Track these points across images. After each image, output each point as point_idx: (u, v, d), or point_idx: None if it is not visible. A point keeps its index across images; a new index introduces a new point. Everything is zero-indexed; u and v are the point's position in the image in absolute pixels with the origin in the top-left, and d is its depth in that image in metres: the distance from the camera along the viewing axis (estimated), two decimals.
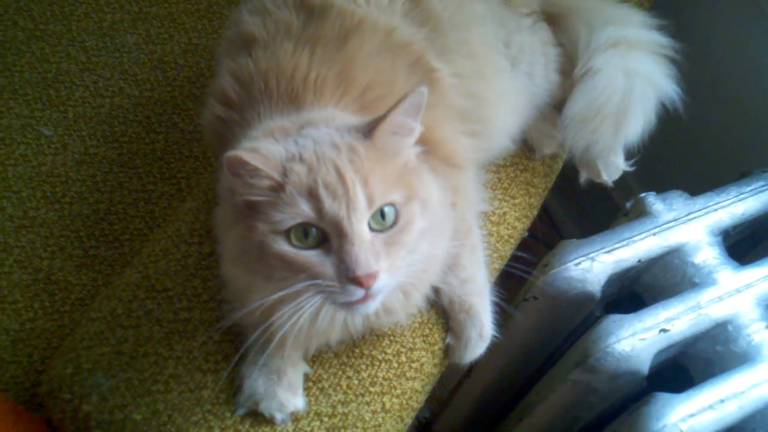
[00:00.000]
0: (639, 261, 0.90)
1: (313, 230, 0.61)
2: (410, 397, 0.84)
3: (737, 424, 0.78)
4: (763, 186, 0.96)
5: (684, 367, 0.89)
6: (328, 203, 0.60)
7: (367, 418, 0.80)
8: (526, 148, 1.06)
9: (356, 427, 0.79)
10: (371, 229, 0.62)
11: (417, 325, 0.85)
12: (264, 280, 0.63)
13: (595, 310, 0.95)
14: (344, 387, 0.80)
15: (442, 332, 0.87)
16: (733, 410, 0.77)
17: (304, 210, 0.60)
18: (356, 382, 0.81)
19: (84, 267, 1.01)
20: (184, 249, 0.85)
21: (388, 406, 0.82)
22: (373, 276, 0.60)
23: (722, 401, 0.77)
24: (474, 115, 0.88)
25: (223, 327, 0.75)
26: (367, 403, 0.81)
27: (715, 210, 0.93)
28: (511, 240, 1.01)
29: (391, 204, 0.62)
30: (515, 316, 0.93)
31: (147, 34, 1.24)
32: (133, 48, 1.22)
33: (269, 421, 0.76)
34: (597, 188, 1.09)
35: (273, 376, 0.75)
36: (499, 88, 0.93)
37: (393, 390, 0.83)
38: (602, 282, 0.88)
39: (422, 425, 1.44)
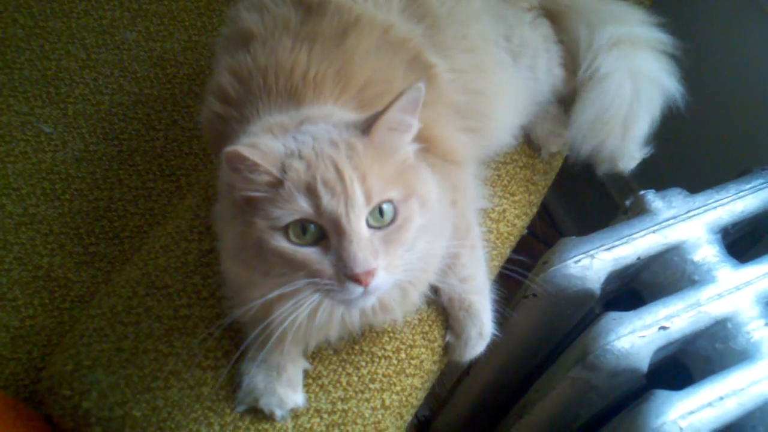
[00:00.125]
0: (638, 258, 0.90)
1: (312, 227, 0.61)
2: (410, 394, 0.85)
3: (737, 421, 0.78)
4: (762, 184, 0.96)
5: (683, 365, 0.89)
6: (327, 200, 0.60)
7: (367, 415, 0.80)
8: (526, 146, 1.06)
9: (356, 423, 0.79)
10: (369, 226, 0.62)
11: (416, 322, 0.85)
12: (262, 276, 0.63)
13: (595, 307, 0.96)
14: (344, 384, 0.81)
15: (442, 329, 0.87)
16: (732, 408, 0.77)
17: (302, 206, 0.60)
18: (356, 378, 0.81)
19: (84, 264, 1.01)
20: (183, 246, 0.85)
21: (387, 402, 0.82)
22: (371, 273, 0.60)
23: (722, 399, 0.77)
24: (473, 111, 0.88)
25: (224, 324, 0.75)
26: (367, 400, 0.81)
27: (715, 208, 0.93)
28: (511, 237, 1.01)
29: (390, 201, 0.62)
30: (515, 313, 0.93)
31: (147, 32, 1.24)
32: (132, 45, 1.22)
33: (269, 417, 0.76)
34: (596, 186, 1.10)
35: (272, 373, 0.75)
36: (499, 83, 0.93)
37: (393, 387, 0.83)
38: (602, 279, 0.88)
39: (421, 423, 1.44)
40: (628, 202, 1.01)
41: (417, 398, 0.87)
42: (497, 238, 0.98)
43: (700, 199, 0.95)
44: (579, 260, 0.88)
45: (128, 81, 1.19)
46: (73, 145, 1.11)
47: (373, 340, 0.83)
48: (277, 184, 0.60)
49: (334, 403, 0.79)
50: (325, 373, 0.80)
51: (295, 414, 0.77)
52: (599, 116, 0.98)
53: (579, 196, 1.66)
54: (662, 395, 0.78)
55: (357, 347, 0.82)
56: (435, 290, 0.83)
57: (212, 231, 0.81)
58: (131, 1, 1.26)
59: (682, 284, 0.89)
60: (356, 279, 0.59)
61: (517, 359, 1.04)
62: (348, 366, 0.81)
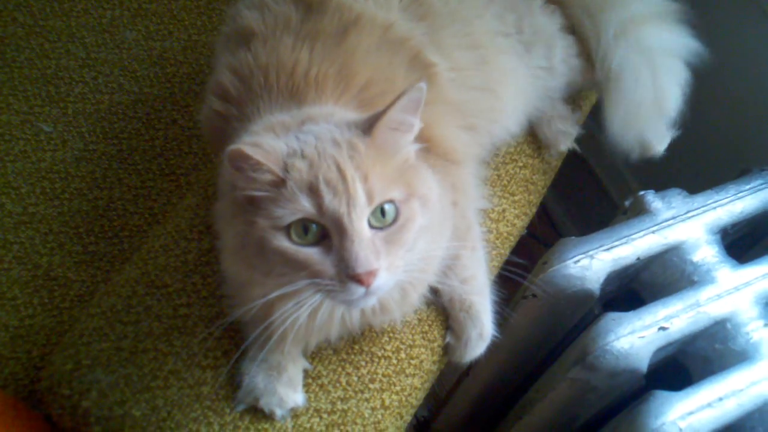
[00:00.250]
0: (638, 259, 0.90)
1: (314, 226, 0.61)
2: (409, 394, 0.84)
3: (736, 422, 0.78)
4: (761, 184, 0.96)
5: (683, 365, 0.89)
6: (329, 199, 0.59)
7: (367, 415, 0.80)
8: (525, 145, 1.06)
9: (355, 423, 0.79)
10: (371, 226, 0.62)
11: (416, 322, 0.85)
12: (263, 276, 0.63)
13: (594, 307, 0.96)
14: (344, 383, 0.80)
15: (442, 329, 0.87)
16: (731, 408, 0.77)
17: (304, 206, 0.60)
18: (356, 378, 0.81)
19: (83, 263, 1.01)
20: (183, 245, 0.85)
21: (387, 402, 0.82)
22: (372, 274, 0.60)
23: (721, 399, 0.77)
24: (476, 108, 0.88)
25: (225, 324, 0.75)
26: (367, 400, 0.81)
27: (714, 208, 0.94)
28: (511, 237, 1.01)
29: (391, 201, 0.62)
30: (514, 314, 0.93)
31: (146, 31, 1.24)
32: (132, 44, 1.22)
33: (269, 417, 0.76)
34: (596, 187, 1.10)
35: (273, 372, 0.75)
36: (506, 73, 0.93)
37: (392, 387, 0.83)
38: (601, 280, 0.88)
39: (421, 423, 1.44)
40: (627, 203, 1.01)
41: (416, 398, 0.87)
42: (497, 238, 0.98)
43: (699, 199, 0.95)
44: (578, 261, 0.88)
45: (128, 80, 1.18)
46: (73, 144, 1.11)
47: (373, 340, 0.83)
48: (280, 183, 0.60)
49: (333, 403, 0.79)
50: (324, 372, 0.80)
51: (294, 414, 0.77)
52: (629, 112, 0.99)
53: (578, 196, 1.67)
54: (661, 396, 0.78)
55: (356, 347, 0.82)
56: (434, 291, 0.83)
57: (212, 229, 0.81)
58: (131, 0, 1.26)
59: (681, 285, 0.89)
60: (358, 279, 0.59)
61: (517, 359, 1.04)
62: (348, 366, 0.81)
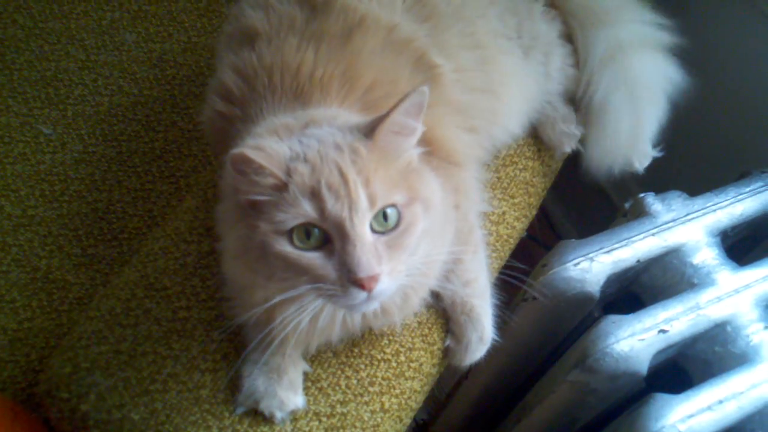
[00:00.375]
0: (638, 261, 0.90)
1: (316, 231, 0.60)
2: (409, 397, 0.84)
3: (736, 424, 0.78)
4: (761, 187, 0.96)
5: (683, 368, 0.89)
6: (331, 204, 0.59)
7: (366, 418, 0.80)
8: (525, 148, 1.06)
9: (355, 427, 0.79)
10: (373, 230, 0.61)
11: (416, 325, 0.85)
12: (265, 280, 0.63)
13: (594, 310, 0.95)
14: (343, 387, 0.80)
15: (441, 332, 0.87)
16: (732, 411, 0.77)
17: (306, 210, 0.59)
18: (355, 381, 0.81)
19: (82, 266, 1.01)
20: (183, 248, 0.84)
21: (386, 405, 0.82)
22: (374, 278, 0.59)
23: (721, 402, 0.77)
24: (478, 109, 0.87)
25: (228, 329, 0.75)
26: (366, 403, 0.81)
27: (714, 210, 0.93)
28: (510, 240, 1.01)
29: (394, 205, 0.62)
30: (514, 316, 0.93)
31: (146, 33, 1.24)
32: (132, 46, 1.22)
33: (268, 419, 0.76)
34: (595, 189, 1.10)
35: (273, 375, 0.75)
36: (508, 76, 0.93)
37: (392, 390, 0.83)
38: (601, 282, 0.88)
39: (420, 426, 1.43)
40: (627, 205, 1.01)
41: (416, 401, 0.87)
42: (497, 241, 0.98)
43: (699, 202, 0.95)
44: (578, 263, 0.88)
45: (128, 82, 1.18)
46: (72, 146, 1.11)
47: (373, 343, 0.83)
48: (282, 187, 0.60)
49: (333, 406, 0.79)
50: (324, 376, 0.80)
51: (293, 417, 0.77)
52: (609, 143, 1.02)
53: (578, 198, 1.66)
54: (661, 399, 0.78)
55: (356, 350, 0.82)
56: (435, 294, 0.83)
57: (213, 232, 0.81)
58: (131, 2, 1.26)
59: (681, 287, 0.89)
60: (360, 284, 0.59)
61: (516, 362, 1.04)
62: (347, 369, 0.81)
